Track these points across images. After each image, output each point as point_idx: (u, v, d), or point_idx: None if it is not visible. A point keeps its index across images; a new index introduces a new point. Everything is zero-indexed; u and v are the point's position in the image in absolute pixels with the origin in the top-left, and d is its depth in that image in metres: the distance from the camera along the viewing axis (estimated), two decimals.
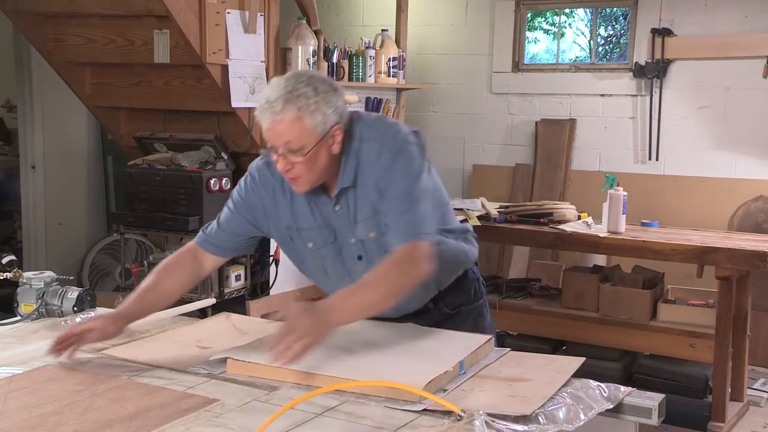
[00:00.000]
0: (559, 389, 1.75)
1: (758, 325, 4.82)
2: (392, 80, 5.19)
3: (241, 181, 2.20)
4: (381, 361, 1.88)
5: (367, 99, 5.14)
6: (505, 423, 1.56)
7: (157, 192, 4.25)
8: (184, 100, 4.46)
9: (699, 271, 4.10)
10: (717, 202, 5.34)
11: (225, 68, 4.18)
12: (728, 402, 4.05)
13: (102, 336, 1.99)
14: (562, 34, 6.17)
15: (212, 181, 4.19)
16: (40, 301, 2.33)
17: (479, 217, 4.46)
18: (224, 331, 2.23)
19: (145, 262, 4.28)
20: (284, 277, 4.36)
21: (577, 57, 6.10)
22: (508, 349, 2.06)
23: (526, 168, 6.02)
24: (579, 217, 4.55)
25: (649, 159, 5.61)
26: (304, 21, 4.63)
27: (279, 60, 4.51)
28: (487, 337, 2.06)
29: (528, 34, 6.15)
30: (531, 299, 4.68)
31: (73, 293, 2.34)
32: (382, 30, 5.25)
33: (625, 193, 4.28)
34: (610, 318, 4.34)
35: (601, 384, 1.81)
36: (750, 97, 5.31)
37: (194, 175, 4.20)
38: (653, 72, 5.51)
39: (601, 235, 4.22)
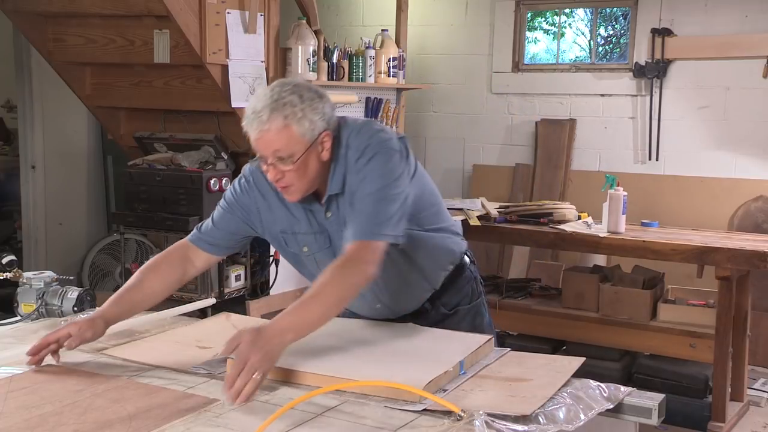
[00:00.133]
0: (559, 389, 1.75)
1: (758, 325, 4.82)
2: (392, 80, 5.18)
3: (235, 182, 2.19)
4: (381, 361, 1.88)
5: (367, 99, 5.14)
6: (505, 423, 1.56)
7: (157, 192, 4.26)
8: (184, 100, 4.46)
9: (699, 271, 4.09)
10: (717, 202, 5.34)
11: (225, 68, 4.18)
12: (728, 402, 4.05)
13: (80, 341, 1.93)
14: (562, 34, 6.16)
15: (212, 181, 4.19)
16: (40, 301, 2.33)
17: (479, 217, 4.45)
18: (224, 331, 2.22)
19: (145, 262, 4.27)
20: (284, 277, 4.36)
21: (577, 57, 6.10)
22: (508, 349, 2.06)
23: (526, 168, 6.02)
24: (579, 217, 4.55)
25: (649, 159, 5.61)
26: (304, 21, 4.63)
27: (279, 60, 4.51)
28: (487, 337, 2.06)
29: (528, 34, 6.14)
30: (531, 299, 4.67)
31: (73, 293, 2.34)
32: (382, 30, 5.24)
33: (625, 193, 4.28)
34: (610, 318, 4.34)
35: (601, 384, 1.80)
36: (750, 97, 5.31)
37: (194, 175, 4.20)
38: (653, 72, 5.51)
39: (601, 235, 4.22)
